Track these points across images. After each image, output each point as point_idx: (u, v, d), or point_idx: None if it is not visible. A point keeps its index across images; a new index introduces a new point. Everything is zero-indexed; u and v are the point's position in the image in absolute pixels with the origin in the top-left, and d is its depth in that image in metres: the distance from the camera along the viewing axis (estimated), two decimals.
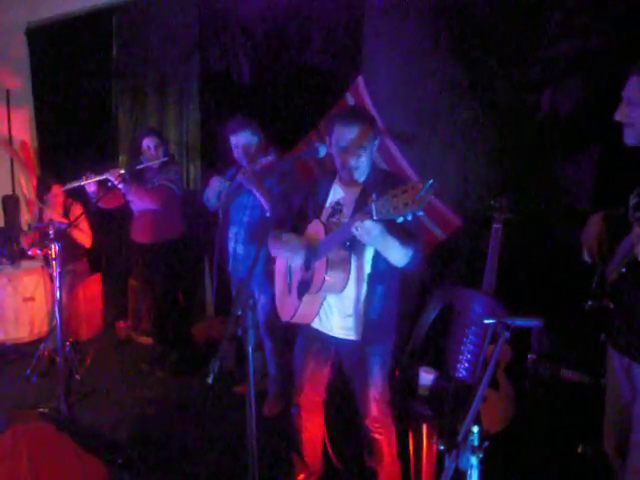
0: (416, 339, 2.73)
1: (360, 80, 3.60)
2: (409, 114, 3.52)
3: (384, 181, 2.12)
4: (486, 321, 1.75)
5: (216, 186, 3.20)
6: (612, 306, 1.84)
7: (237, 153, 3.22)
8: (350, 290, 2.22)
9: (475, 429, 1.31)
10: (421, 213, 1.66)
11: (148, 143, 3.83)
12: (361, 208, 1.91)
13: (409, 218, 1.68)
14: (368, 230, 1.85)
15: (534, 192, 3.10)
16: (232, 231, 3.33)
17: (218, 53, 4.48)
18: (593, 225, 1.98)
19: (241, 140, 3.17)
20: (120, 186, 3.62)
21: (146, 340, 4.70)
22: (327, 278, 2.08)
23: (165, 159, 3.82)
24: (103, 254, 5.23)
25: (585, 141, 2.96)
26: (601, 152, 2.91)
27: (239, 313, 1.81)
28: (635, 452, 1.87)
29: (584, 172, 2.96)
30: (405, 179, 2.36)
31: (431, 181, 1.63)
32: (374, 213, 1.77)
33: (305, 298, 2.23)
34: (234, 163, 3.31)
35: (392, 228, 1.94)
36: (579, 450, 2.60)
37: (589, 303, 1.90)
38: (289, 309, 2.33)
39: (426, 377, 2.63)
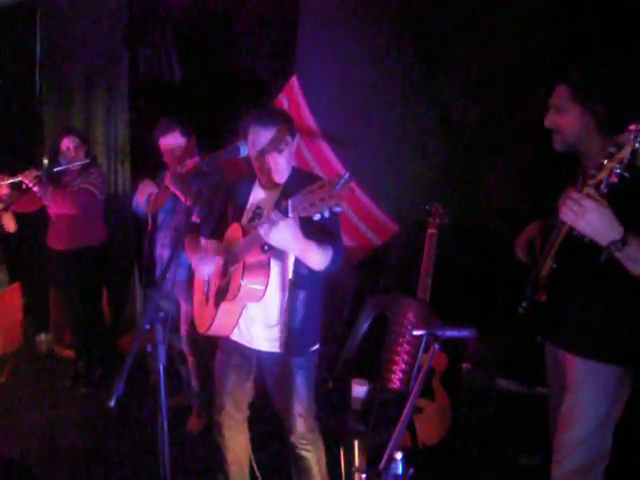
0: (349, 349, 2.61)
1: (294, 80, 3.48)
2: (344, 118, 3.44)
3: (305, 182, 1.99)
4: (416, 332, 1.66)
5: (146, 191, 3.01)
6: (544, 299, 1.88)
7: (166, 156, 3.06)
8: (273, 298, 2.09)
9: (399, 456, 1.19)
10: (338, 209, 1.55)
11: (67, 143, 3.60)
12: (258, 214, 1.84)
13: (326, 214, 1.57)
14: (281, 229, 1.71)
15: (468, 197, 3.07)
16: (159, 236, 3.16)
17: (148, 51, 4.29)
18: (528, 229, 2.10)
19: (169, 142, 3.02)
20: (35, 189, 3.36)
21: (69, 354, 4.39)
22: (243, 284, 1.94)
23: (86, 161, 3.60)
24: (22, 262, 4.88)
25: (518, 145, 2.95)
26: (533, 156, 2.90)
27: (148, 327, 1.64)
28: (561, 454, 1.84)
29: (517, 176, 2.94)
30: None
31: (347, 175, 1.53)
32: (290, 210, 1.66)
33: (222, 307, 2.08)
34: (165, 166, 3.12)
35: (309, 229, 1.80)
36: (522, 461, 2.54)
37: (523, 305, 1.92)
38: (206, 320, 2.17)
39: (359, 389, 2.51)
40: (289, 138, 2.03)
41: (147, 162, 4.02)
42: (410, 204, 3.24)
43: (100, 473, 2.93)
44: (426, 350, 2.50)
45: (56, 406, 3.63)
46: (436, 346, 1.52)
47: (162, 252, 3.13)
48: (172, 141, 3.00)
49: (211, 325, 2.11)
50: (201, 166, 2.14)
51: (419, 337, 2.56)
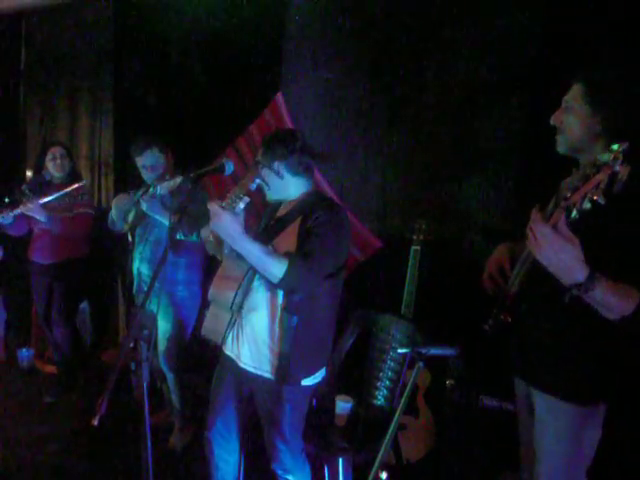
0: (333, 366, 2.60)
1: (279, 97, 3.50)
2: (328, 135, 3.47)
3: (315, 204, 2.07)
4: (400, 351, 1.67)
5: (123, 204, 2.97)
6: (509, 320, 1.76)
7: (144, 175, 3.03)
8: (262, 319, 2.06)
9: (384, 476, 1.19)
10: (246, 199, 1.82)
11: (54, 151, 3.63)
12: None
13: (241, 206, 1.83)
14: (216, 215, 1.86)
15: (452, 214, 3.10)
16: (137, 250, 3.11)
17: (133, 66, 4.29)
18: (497, 251, 1.97)
19: (147, 161, 2.97)
20: (42, 219, 3.39)
21: (51, 369, 4.33)
22: (215, 281, 2.00)
23: (81, 184, 3.60)
24: (3, 276, 4.81)
25: (501, 163, 2.99)
26: (517, 174, 2.94)
27: (132, 345, 1.63)
28: None
29: (500, 193, 2.98)
30: None
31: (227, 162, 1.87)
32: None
33: (210, 308, 2.10)
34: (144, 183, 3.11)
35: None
36: (505, 478, 2.54)
37: (489, 322, 1.81)
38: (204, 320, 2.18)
39: (343, 406, 2.51)
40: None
41: (131, 175, 4.01)
42: (394, 220, 3.26)
43: None
44: (410, 367, 2.51)
45: (37, 422, 3.56)
46: (420, 364, 1.53)
47: (140, 267, 3.09)
48: (150, 158, 2.97)
49: (202, 326, 2.13)
50: (186, 184, 2.14)
51: (404, 354, 2.58)
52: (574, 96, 1.67)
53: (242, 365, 2.12)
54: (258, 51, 3.68)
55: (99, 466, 3.06)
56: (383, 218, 3.30)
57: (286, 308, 2.00)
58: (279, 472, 2.19)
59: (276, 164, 2.06)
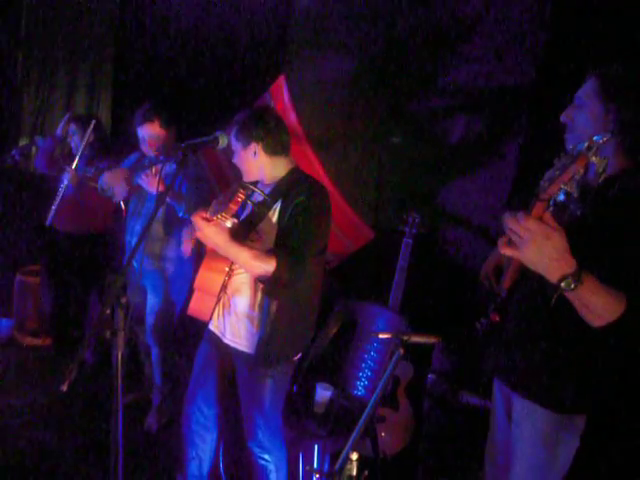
0: (315, 353, 2.57)
1: (282, 80, 3.45)
2: (327, 121, 3.43)
3: (295, 185, 2.06)
4: (381, 335, 1.63)
5: (106, 179, 2.89)
6: (497, 320, 1.71)
7: (144, 147, 2.95)
8: (245, 301, 2.07)
9: (354, 456, 1.16)
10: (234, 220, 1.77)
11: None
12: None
13: (227, 225, 1.81)
14: (198, 228, 1.84)
15: (447, 209, 3.07)
16: (129, 224, 3.06)
17: (136, 36, 4.22)
18: (493, 255, 1.94)
19: (147, 132, 2.88)
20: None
21: (31, 342, 4.28)
22: (200, 272, 2.00)
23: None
24: None
25: (497, 163, 2.96)
26: (514, 174, 2.92)
27: (108, 312, 1.58)
28: None
29: (495, 193, 2.95)
30: None
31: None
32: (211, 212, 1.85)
33: (196, 292, 2.07)
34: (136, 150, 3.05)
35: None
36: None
37: (482, 321, 1.76)
38: (189, 301, 2.16)
39: (322, 393, 2.48)
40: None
41: (128, 148, 3.96)
42: (388, 212, 3.23)
43: (49, 467, 2.81)
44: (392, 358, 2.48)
45: (10, 393, 3.50)
46: (400, 350, 1.49)
47: (131, 240, 3.04)
48: (150, 131, 2.87)
49: (190, 306, 2.11)
50: (176, 155, 2.08)
51: (387, 345, 2.54)
52: (587, 92, 1.58)
53: (226, 341, 2.13)
54: (262, 34, 3.63)
55: (69, 440, 3.01)
56: (377, 209, 3.27)
57: (267, 292, 1.99)
58: (256, 450, 2.17)
59: (253, 145, 2.03)
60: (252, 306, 2.05)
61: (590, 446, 1.75)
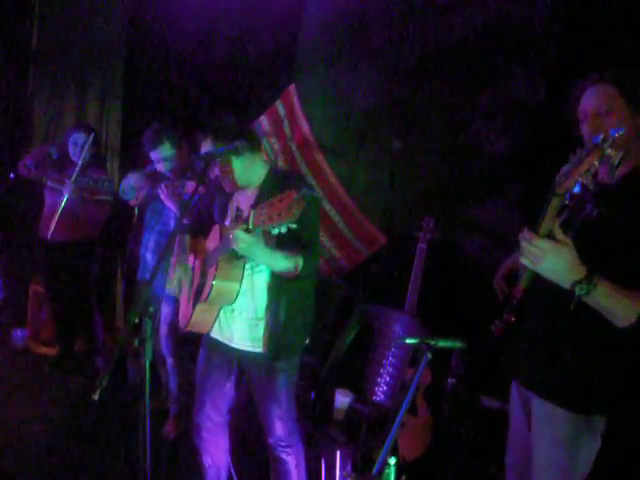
0: (334, 360, 2.58)
1: (292, 89, 3.49)
2: (339, 129, 3.45)
3: (280, 184, 2.00)
4: (408, 341, 1.64)
5: (132, 181, 2.97)
6: (513, 320, 1.73)
7: (159, 167, 2.98)
8: (260, 295, 2.10)
9: (392, 461, 1.17)
10: (294, 226, 1.60)
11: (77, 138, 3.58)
12: (239, 217, 1.85)
13: (283, 230, 1.62)
14: (241, 240, 1.77)
15: (460, 213, 3.08)
16: (144, 237, 3.11)
17: (146, 50, 4.27)
18: (506, 262, 2.00)
19: (159, 156, 2.92)
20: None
21: (45, 351, 4.31)
22: (215, 284, 1.96)
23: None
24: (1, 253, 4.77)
25: (513, 177, 2.96)
26: (528, 189, 2.91)
27: (137, 321, 1.60)
28: None
29: (512, 206, 2.95)
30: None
31: (304, 190, 1.61)
32: (250, 222, 1.70)
33: (198, 306, 2.08)
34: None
35: (279, 237, 1.79)
36: None
37: (496, 323, 1.78)
38: (186, 315, 2.17)
39: (342, 400, 2.49)
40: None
41: (137, 160, 3.99)
42: (402, 217, 3.24)
43: (74, 475, 2.83)
44: (412, 364, 2.49)
45: (28, 404, 3.52)
46: (428, 355, 1.51)
47: (145, 254, 3.09)
48: (161, 154, 2.90)
49: (189, 322, 2.12)
50: (198, 165, 2.11)
51: (405, 350, 2.56)
52: (609, 98, 1.57)
53: (234, 345, 2.16)
54: (274, 42, 3.66)
55: (89, 449, 3.02)
56: (390, 214, 3.28)
57: (274, 287, 2.06)
58: (277, 446, 2.20)
59: (237, 144, 1.98)
60: (256, 309, 2.10)
61: (611, 447, 1.74)
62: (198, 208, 2.38)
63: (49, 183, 3.58)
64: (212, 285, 1.95)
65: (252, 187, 2.12)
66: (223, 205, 2.22)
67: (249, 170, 2.08)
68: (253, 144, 2.07)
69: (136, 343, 1.66)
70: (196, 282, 2.19)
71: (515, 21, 2.85)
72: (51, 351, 4.27)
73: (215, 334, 2.20)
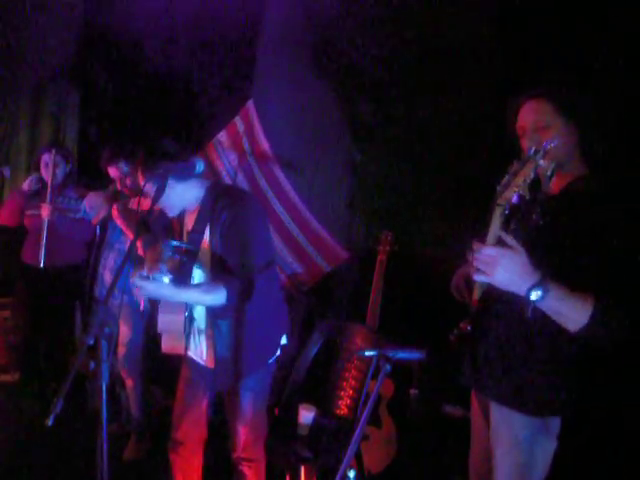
0: (297, 375, 2.58)
1: (250, 105, 3.49)
2: (297, 144, 3.48)
3: (216, 204, 1.99)
4: (367, 353, 1.66)
5: (91, 201, 2.90)
6: (468, 328, 1.77)
7: (117, 184, 2.95)
8: (204, 325, 2.12)
9: (352, 474, 1.17)
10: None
11: (46, 159, 3.46)
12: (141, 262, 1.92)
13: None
14: (141, 287, 1.84)
15: (419, 225, 3.13)
16: (103, 255, 3.07)
17: (103, 64, 4.22)
18: (461, 269, 2.00)
19: (115, 174, 2.92)
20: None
21: (3, 378, 4.16)
22: (160, 318, 2.01)
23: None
24: None
25: (467, 182, 3.03)
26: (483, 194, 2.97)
27: (91, 342, 1.57)
28: None
29: (465, 211, 3.01)
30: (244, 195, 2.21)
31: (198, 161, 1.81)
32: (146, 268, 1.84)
33: (163, 334, 2.12)
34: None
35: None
36: None
37: (454, 332, 1.81)
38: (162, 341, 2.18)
39: (306, 415, 2.48)
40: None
41: (95, 178, 3.92)
42: (362, 231, 3.27)
43: None
44: (374, 376, 2.50)
45: None
46: (387, 367, 1.52)
47: (104, 273, 3.04)
48: (118, 172, 2.91)
49: (163, 347, 2.15)
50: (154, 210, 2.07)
51: (367, 363, 2.57)
52: (544, 114, 1.61)
53: (203, 362, 2.17)
54: (231, 57, 3.67)
55: (46, 475, 2.93)
56: (350, 228, 3.31)
57: (211, 315, 2.06)
58: (239, 460, 2.20)
59: (162, 179, 1.88)
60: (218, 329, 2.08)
61: (567, 447, 1.78)
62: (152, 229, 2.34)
63: (27, 212, 3.49)
64: (158, 319, 2.01)
65: (192, 208, 2.08)
66: (179, 227, 2.18)
67: (181, 197, 2.02)
68: (184, 173, 1.96)
69: (91, 366, 1.63)
70: None
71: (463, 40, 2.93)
72: (6, 377, 4.12)
73: (191, 352, 2.20)
